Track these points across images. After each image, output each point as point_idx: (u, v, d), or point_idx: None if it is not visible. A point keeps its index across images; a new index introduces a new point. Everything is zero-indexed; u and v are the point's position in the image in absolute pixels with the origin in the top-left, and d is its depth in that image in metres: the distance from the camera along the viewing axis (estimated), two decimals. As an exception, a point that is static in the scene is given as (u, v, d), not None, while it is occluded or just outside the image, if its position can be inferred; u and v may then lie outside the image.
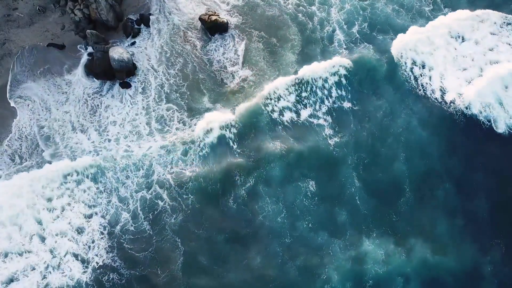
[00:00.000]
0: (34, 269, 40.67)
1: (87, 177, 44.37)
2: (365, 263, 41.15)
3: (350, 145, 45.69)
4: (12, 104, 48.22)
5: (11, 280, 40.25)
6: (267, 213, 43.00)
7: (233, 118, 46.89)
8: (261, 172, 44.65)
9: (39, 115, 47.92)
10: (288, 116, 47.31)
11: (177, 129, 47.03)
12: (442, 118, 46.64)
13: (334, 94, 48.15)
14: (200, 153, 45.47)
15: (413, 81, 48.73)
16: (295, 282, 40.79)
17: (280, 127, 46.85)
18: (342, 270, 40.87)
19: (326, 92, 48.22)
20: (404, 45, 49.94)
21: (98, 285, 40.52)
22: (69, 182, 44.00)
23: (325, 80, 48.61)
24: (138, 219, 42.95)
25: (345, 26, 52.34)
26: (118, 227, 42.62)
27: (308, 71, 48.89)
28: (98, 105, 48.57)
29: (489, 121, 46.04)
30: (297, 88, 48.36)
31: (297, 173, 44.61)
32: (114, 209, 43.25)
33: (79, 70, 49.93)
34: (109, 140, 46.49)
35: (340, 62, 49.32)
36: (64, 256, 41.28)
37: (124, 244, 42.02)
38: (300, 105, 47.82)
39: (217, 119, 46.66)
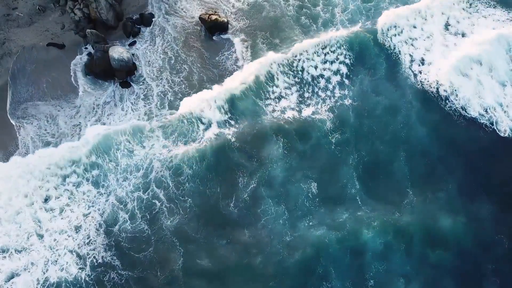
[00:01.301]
0: (33, 264, 40.57)
1: (87, 180, 44.03)
2: (365, 259, 40.72)
3: (351, 142, 45.52)
4: (13, 122, 47.36)
5: (11, 277, 40.14)
6: (268, 212, 42.53)
7: (219, 95, 47.09)
8: (263, 172, 44.12)
9: (45, 130, 47.17)
10: (290, 113, 46.83)
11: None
12: (442, 116, 46.33)
13: (336, 86, 48.10)
14: (200, 148, 44.87)
15: (412, 77, 48.54)
16: (297, 280, 40.41)
17: (281, 124, 46.26)
18: (342, 265, 40.61)
19: (327, 90, 47.91)
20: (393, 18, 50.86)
21: (98, 283, 40.16)
22: (68, 184, 43.74)
23: (328, 79, 48.36)
24: (136, 219, 42.46)
25: (349, 26, 51.79)
26: (116, 226, 42.16)
27: (300, 47, 49.51)
28: (101, 113, 48.00)
29: (492, 124, 45.64)
30: (296, 85, 48.17)
31: (300, 173, 44.18)
32: (112, 208, 42.76)
33: (79, 72, 49.55)
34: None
35: (335, 36, 50.07)
36: (63, 253, 41.06)
37: (122, 243, 41.58)
38: (302, 105, 47.47)
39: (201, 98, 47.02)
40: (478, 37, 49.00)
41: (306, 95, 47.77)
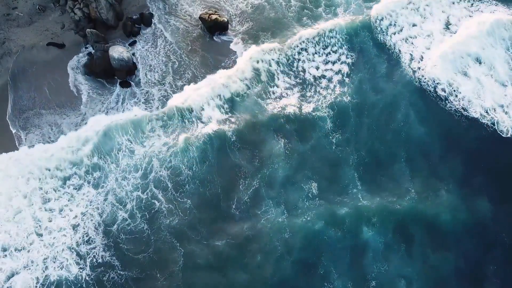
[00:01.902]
0: (33, 262, 40.68)
1: (88, 182, 44.01)
2: (365, 259, 40.63)
3: (352, 141, 45.40)
4: (14, 131, 46.72)
5: (11, 275, 40.21)
6: (268, 212, 42.44)
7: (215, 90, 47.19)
8: (264, 173, 43.95)
9: (49, 137, 46.66)
10: (290, 110, 46.70)
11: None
12: (442, 116, 46.10)
13: (336, 85, 47.98)
14: (200, 148, 44.70)
15: (412, 75, 48.29)
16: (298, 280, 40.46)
17: (281, 121, 46.17)
18: (343, 265, 40.61)
19: (328, 89, 47.81)
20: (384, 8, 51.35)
21: (97, 283, 40.17)
22: (68, 187, 43.82)
23: (329, 79, 48.25)
24: (135, 218, 42.38)
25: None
26: (115, 226, 42.11)
27: (295, 38, 50.07)
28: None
29: (493, 124, 45.33)
30: (297, 85, 48.06)
31: (301, 173, 44.03)
32: (111, 207, 42.73)
33: (79, 75, 49.34)
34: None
35: (330, 25, 50.71)
36: (62, 251, 41.19)
37: (122, 243, 41.55)
38: (303, 102, 47.35)
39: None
40: (471, 27, 49.10)
41: (308, 94, 47.65)
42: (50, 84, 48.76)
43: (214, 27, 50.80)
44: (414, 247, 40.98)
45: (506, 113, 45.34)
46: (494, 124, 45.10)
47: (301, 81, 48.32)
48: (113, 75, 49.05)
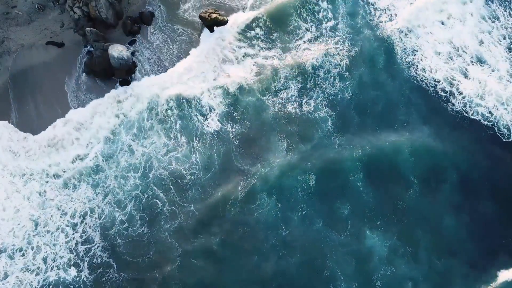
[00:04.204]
0: (32, 263, 41.09)
1: (88, 183, 44.22)
2: (370, 262, 40.96)
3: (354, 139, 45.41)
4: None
5: (10, 275, 40.59)
6: (267, 213, 42.60)
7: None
8: (263, 173, 43.98)
9: None
10: (291, 107, 46.80)
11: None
12: (444, 116, 46.04)
13: (337, 81, 47.81)
14: (203, 153, 44.82)
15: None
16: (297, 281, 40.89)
17: (282, 121, 46.25)
18: (346, 267, 41.06)
19: (330, 84, 47.79)
20: None
21: (96, 283, 40.63)
22: (69, 188, 43.93)
23: (328, 71, 47.99)
24: (136, 220, 42.51)
25: (348, 17, 51.34)
26: (113, 228, 42.29)
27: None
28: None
29: (494, 125, 45.06)
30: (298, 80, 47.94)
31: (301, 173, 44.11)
32: (110, 208, 42.80)
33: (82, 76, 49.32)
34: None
35: None
36: (61, 252, 41.46)
37: (119, 247, 41.73)
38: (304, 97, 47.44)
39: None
40: None
41: (308, 86, 47.64)
42: (56, 94, 48.48)
43: (214, 26, 50.34)
44: (419, 252, 41.34)
45: (507, 112, 45.03)
46: (494, 125, 44.76)
47: (302, 72, 48.19)
48: (113, 74, 48.82)
